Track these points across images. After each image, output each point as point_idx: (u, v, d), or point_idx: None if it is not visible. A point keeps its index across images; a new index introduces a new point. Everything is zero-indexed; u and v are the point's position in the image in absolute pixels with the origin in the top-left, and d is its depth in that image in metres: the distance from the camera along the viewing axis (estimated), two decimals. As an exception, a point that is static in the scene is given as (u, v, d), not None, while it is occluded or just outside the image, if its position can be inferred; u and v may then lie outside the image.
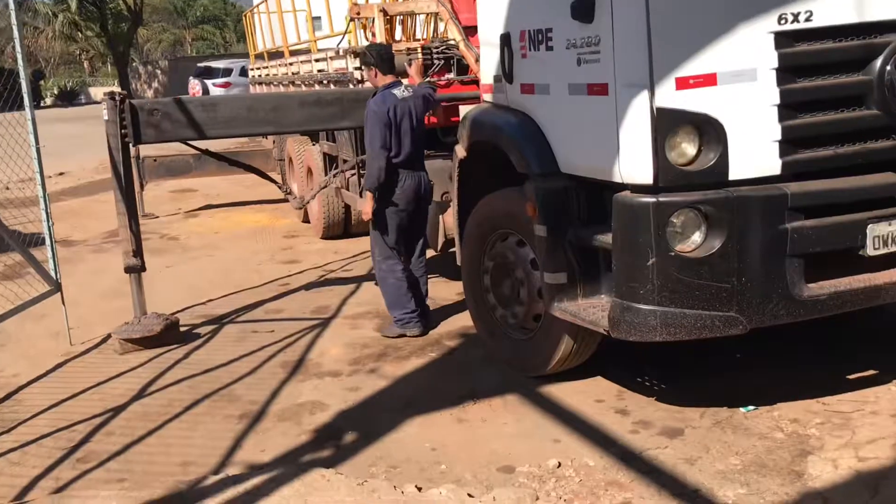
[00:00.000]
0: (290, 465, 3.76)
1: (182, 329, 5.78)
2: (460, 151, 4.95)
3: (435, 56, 6.26)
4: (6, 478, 3.84)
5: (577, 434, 3.96)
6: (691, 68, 3.46)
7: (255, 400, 4.58)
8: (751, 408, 4.06)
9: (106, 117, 5.44)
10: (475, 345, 5.15)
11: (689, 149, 3.53)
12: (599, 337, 4.18)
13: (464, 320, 5.54)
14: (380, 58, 5.37)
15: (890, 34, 3.66)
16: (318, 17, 10.13)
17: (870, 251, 3.69)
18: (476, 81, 5.36)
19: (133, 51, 45.86)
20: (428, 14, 7.83)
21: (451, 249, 5.50)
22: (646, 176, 3.54)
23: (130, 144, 5.57)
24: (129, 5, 36.55)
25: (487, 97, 4.81)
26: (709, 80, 3.47)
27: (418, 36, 8.18)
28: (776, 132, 3.55)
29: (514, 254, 4.56)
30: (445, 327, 5.58)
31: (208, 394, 4.69)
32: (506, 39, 4.42)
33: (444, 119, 6.01)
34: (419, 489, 3.46)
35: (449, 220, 5.55)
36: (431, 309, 5.70)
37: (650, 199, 3.53)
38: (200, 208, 11.37)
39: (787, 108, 3.56)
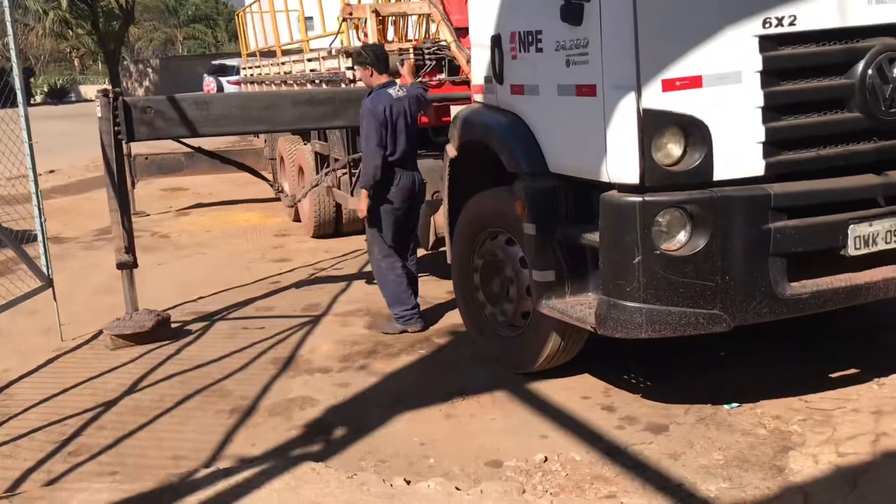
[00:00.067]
0: (281, 459, 3.81)
1: (173, 326, 5.82)
2: (451, 151, 5.00)
3: (427, 57, 6.32)
4: (-2, 470, 3.88)
5: (564, 430, 4.02)
6: (677, 70, 3.53)
7: (245, 395, 4.62)
8: (734, 405, 4.13)
9: (99, 114, 5.47)
10: (464, 342, 5.21)
11: (675, 149, 3.59)
12: (587, 334, 4.24)
13: (453, 318, 5.60)
14: (376, 57, 5.44)
15: (872, 39, 3.73)
16: (311, 18, 10.18)
17: (851, 251, 3.76)
18: (467, 82, 5.42)
19: (124, 49, 45.75)
20: (420, 15, 7.90)
21: (442, 248, 5.56)
22: (632, 176, 3.60)
23: (123, 142, 5.60)
24: (121, 4, 36.45)
25: (478, 98, 4.87)
26: (694, 82, 3.54)
27: (410, 37, 8.25)
28: (760, 134, 3.62)
29: (503, 252, 4.62)
30: (435, 325, 5.64)
31: (199, 389, 4.73)
32: (496, 41, 4.49)
33: (436, 119, 6.06)
34: (408, 482, 3.51)
35: (439, 219, 5.61)
36: (422, 308, 5.75)
37: (636, 199, 3.60)
38: (191, 206, 11.39)
39: (771, 110, 3.63)
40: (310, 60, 8.38)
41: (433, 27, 7.85)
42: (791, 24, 3.61)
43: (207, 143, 7.31)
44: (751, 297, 3.65)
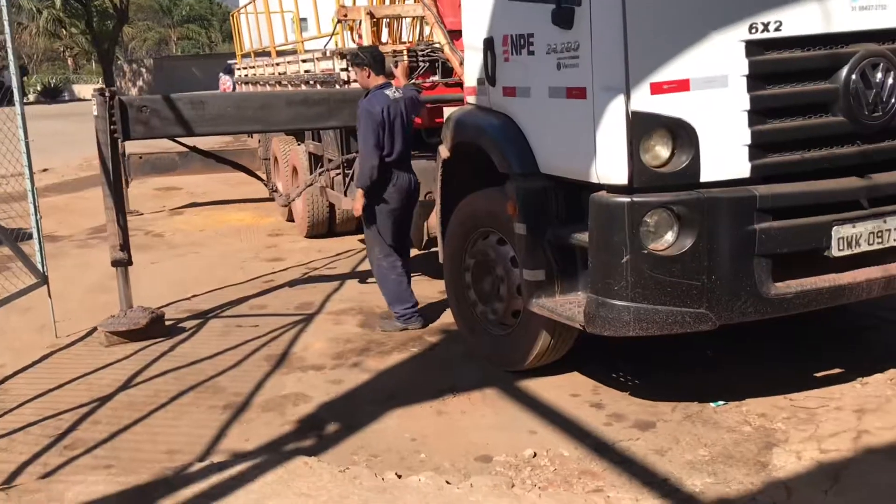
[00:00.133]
0: (274, 454, 3.87)
1: (167, 323, 5.86)
2: (444, 152, 5.07)
3: (420, 59, 6.39)
4: (-6, 463, 3.92)
5: (553, 426, 4.09)
6: (665, 74, 3.60)
7: (239, 391, 4.67)
8: (720, 403, 4.20)
9: (96, 113, 5.52)
10: (456, 341, 5.28)
11: (663, 151, 3.66)
12: (576, 333, 4.31)
13: (445, 317, 5.67)
14: (373, 59, 5.51)
15: (855, 44, 3.82)
16: (305, 19, 10.24)
17: (834, 252, 3.84)
18: (460, 84, 5.49)
19: (118, 49, 45.68)
20: (414, 17, 7.97)
21: (434, 248, 5.62)
22: (621, 177, 3.67)
23: (119, 140, 5.64)
24: (115, 3, 36.43)
25: (471, 99, 4.94)
26: (682, 85, 3.61)
27: (404, 39, 8.32)
28: (746, 137, 3.69)
29: (494, 252, 4.69)
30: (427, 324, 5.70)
31: (193, 385, 4.78)
32: (489, 44, 4.56)
33: (429, 120, 6.13)
34: (399, 476, 3.57)
35: (432, 220, 5.67)
36: (414, 306, 5.82)
37: (625, 199, 3.67)
38: (185, 206, 11.42)
39: (757, 113, 3.70)
40: (304, 61, 8.44)
41: (427, 29, 7.92)
42: (777, 29, 3.68)
43: (202, 143, 7.37)
44: (736, 296, 3.73)
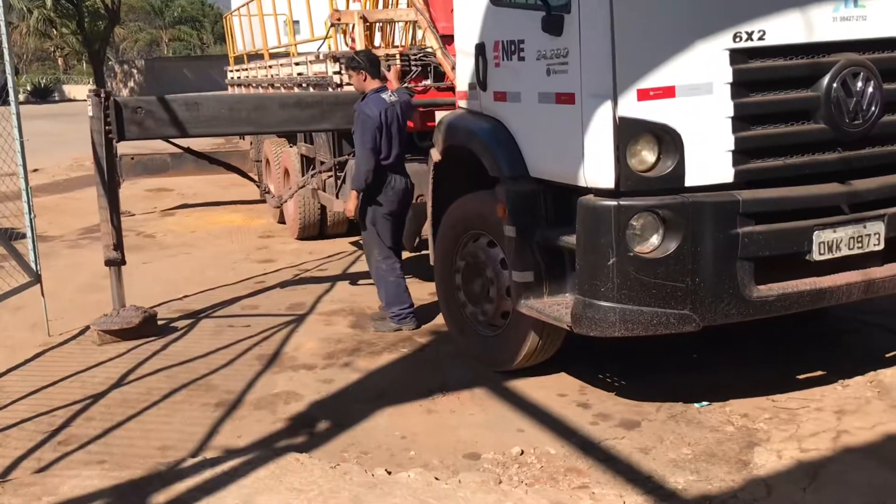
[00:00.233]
0: (266, 450, 3.92)
1: (160, 322, 5.91)
2: (435, 155, 5.14)
3: (413, 63, 6.46)
4: (-11, 458, 3.96)
5: (540, 425, 4.17)
6: (652, 81, 3.69)
7: (231, 390, 4.73)
8: (704, 403, 4.29)
9: (91, 114, 5.57)
10: (446, 341, 5.35)
11: (649, 156, 3.75)
12: (564, 334, 4.40)
13: (435, 319, 5.74)
14: (369, 62, 5.59)
15: (837, 54, 3.92)
16: (297, 21, 10.30)
17: (816, 256, 3.94)
18: (452, 88, 5.56)
19: (109, 49, 45.56)
20: (407, 22, 8.05)
21: (425, 251, 5.70)
22: (608, 181, 3.76)
23: (114, 141, 5.69)
24: (107, 4, 36.33)
25: (462, 103, 5.02)
26: (668, 92, 3.70)
27: (397, 43, 8.40)
28: (730, 143, 3.79)
29: (484, 254, 4.76)
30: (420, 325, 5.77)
31: (186, 383, 4.83)
32: (480, 49, 4.64)
33: (421, 124, 6.20)
34: (389, 473, 3.64)
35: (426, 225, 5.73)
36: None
37: (612, 203, 3.75)
38: (176, 207, 11.45)
39: (741, 120, 3.80)
40: (297, 64, 8.50)
41: (419, 34, 8.00)
42: (760, 38, 3.78)
43: (193, 144, 7.41)
44: (719, 298, 3.81)
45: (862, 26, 3.95)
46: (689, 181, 3.78)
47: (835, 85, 3.88)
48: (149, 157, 10.96)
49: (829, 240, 3.95)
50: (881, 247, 4.06)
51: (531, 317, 4.28)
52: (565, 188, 4.08)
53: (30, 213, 5.80)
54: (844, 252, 3.99)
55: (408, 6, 7.09)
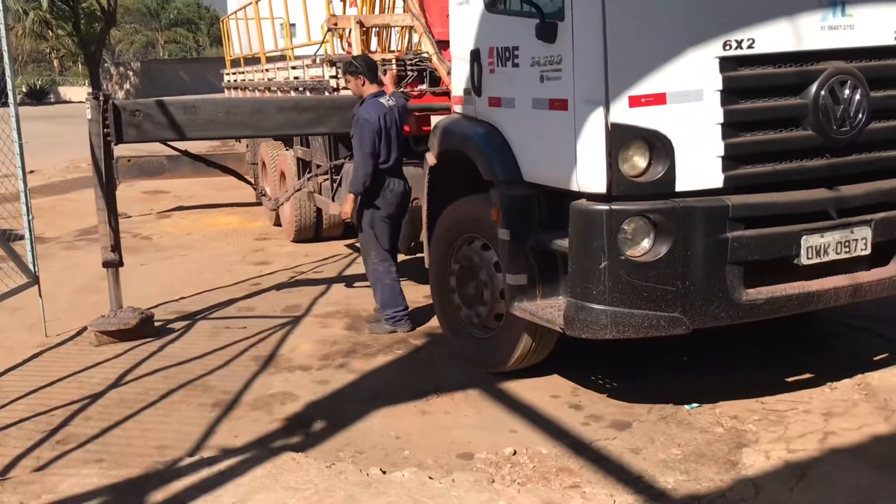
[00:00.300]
0: (262, 449, 3.98)
1: (156, 324, 5.96)
2: (431, 159, 5.21)
3: (409, 68, 6.53)
4: (-11, 457, 4.01)
5: (533, 426, 4.23)
6: (643, 88, 3.76)
7: (227, 390, 4.78)
8: (695, 405, 4.35)
9: (89, 116, 5.62)
10: (440, 343, 5.41)
11: (640, 162, 3.82)
12: (556, 336, 4.46)
13: (430, 321, 5.79)
14: (367, 67, 5.66)
15: (825, 62, 3.99)
16: (294, 24, 10.35)
17: (804, 260, 4.00)
18: (447, 93, 5.63)
19: (105, 51, 45.52)
20: (403, 27, 8.12)
21: (420, 253, 5.76)
22: (600, 186, 3.83)
23: (112, 144, 5.74)
24: (103, 5, 36.31)
25: (458, 108, 5.08)
26: (659, 98, 3.77)
27: (393, 47, 8.46)
28: (720, 149, 3.86)
29: (478, 257, 4.83)
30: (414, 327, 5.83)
31: (183, 384, 4.88)
32: (475, 55, 4.71)
33: (416, 128, 6.26)
34: (383, 472, 3.70)
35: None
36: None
37: (604, 207, 3.82)
38: (173, 209, 11.49)
39: (730, 127, 3.86)
40: (294, 68, 8.56)
41: (416, 39, 8.07)
42: (750, 46, 3.85)
43: (189, 146, 7.45)
44: (709, 301, 3.88)
45: (849, 35, 4.02)
46: (680, 186, 3.84)
47: (822, 92, 3.95)
48: (145, 160, 11.01)
49: (817, 244, 4.01)
50: (868, 251, 4.14)
51: (524, 319, 4.34)
52: (558, 192, 4.14)
53: (28, 214, 5.84)
54: (832, 256, 4.06)
55: (404, 11, 7.15)
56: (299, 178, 8.27)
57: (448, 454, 3.95)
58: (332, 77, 6.96)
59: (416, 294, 6.46)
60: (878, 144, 4.20)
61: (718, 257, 3.86)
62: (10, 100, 5.69)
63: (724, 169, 3.88)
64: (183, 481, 3.59)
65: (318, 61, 7.68)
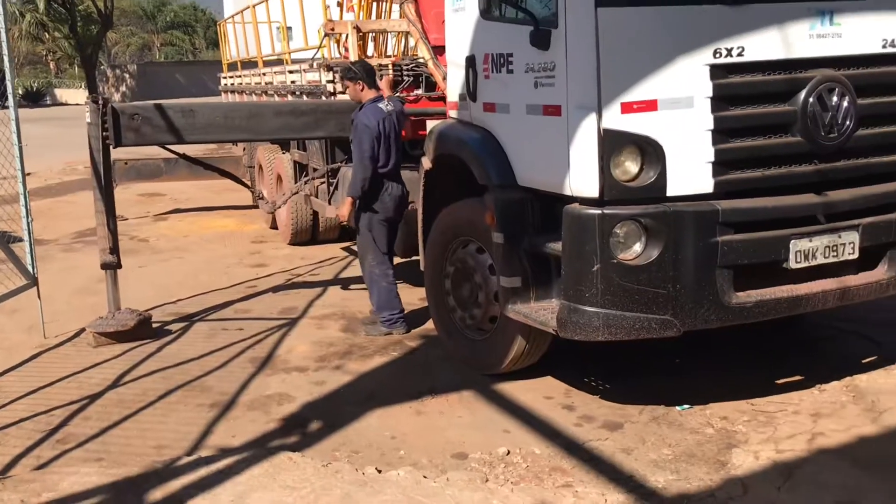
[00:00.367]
0: (259, 449, 4.03)
1: (154, 325, 6.00)
2: (426, 163, 5.27)
3: (405, 73, 6.59)
4: (-11, 456, 4.06)
5: (526, 426, 4.29)
6: (635, 94, 3.83)
7: (225, 391, 4.84)
8: (686, 406, 4.42)
9: (89, 120, 5.67)
10: (435, 345, 5.47)
11: (632, 167, 3.89)
12: (550, 338, 4.52)
13: (425, 323, 5.85)
14: (366, 73, 5.72)
15: (813, 70, 4.06)
16: (291, 27, 10.42)
17: (792, 264, 4.08)
18: (443, 98, 5.69)
19: (101, 53, 45.52)
20: (399, 33, 8.19)
21: (415, 256, 5.82)
22: (593, 190, 3.90)
23: (111, 147, 5.79)
24: (100, 8, 36.33)
25: (453, 113, 5.15)
26: (650, 105, 3.84)
27: (389, 52, 8.54)
28: (710, 154, 3.93)
29: (473, 260, 4.89)
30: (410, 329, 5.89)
31: (181, 384, 4.94)
32: (471, 61, 4.78)
33: (412, 132, 6.33)
34: (379, 471, 3.76)
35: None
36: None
37: (596, 212, 3.89)
38: (169, 212, 11.54)
39: (721, 133, 3.94)
40: (291, 72, 8.62)
41: (412, 44, 8.14)
42: (739, 54, 3.93)
43: (186, 150, 7.50)
44: (699, 304, 3.95)
45: (837, 43, 4.10)
46: (671, 191, 3.91)
47: (811, 99, 4.02)
48: (142, 162, 11.06)
49: (806, 249, 4.09)
50: (856, 256, 4.21)
51: (518, 321, 4.40)
52: (552, 197, 4.21)
53: (27, 217, 5.89)
54: (820, 260, 4.13)
55: (400, 17, 7.22)
56: (296, 182, 8.32)
57: (443, 454, 4.01)
58: (328, 81, 7.02)
59: (412, 296, 6.52)
60: (866, 150, 4.28)
61: (709, 261, 3.93)
62: (10, 102, 5.74)
63: (715, 174, 3.95)
64: (181, 480, 3.65)
65: (314, 66, 7.75)
